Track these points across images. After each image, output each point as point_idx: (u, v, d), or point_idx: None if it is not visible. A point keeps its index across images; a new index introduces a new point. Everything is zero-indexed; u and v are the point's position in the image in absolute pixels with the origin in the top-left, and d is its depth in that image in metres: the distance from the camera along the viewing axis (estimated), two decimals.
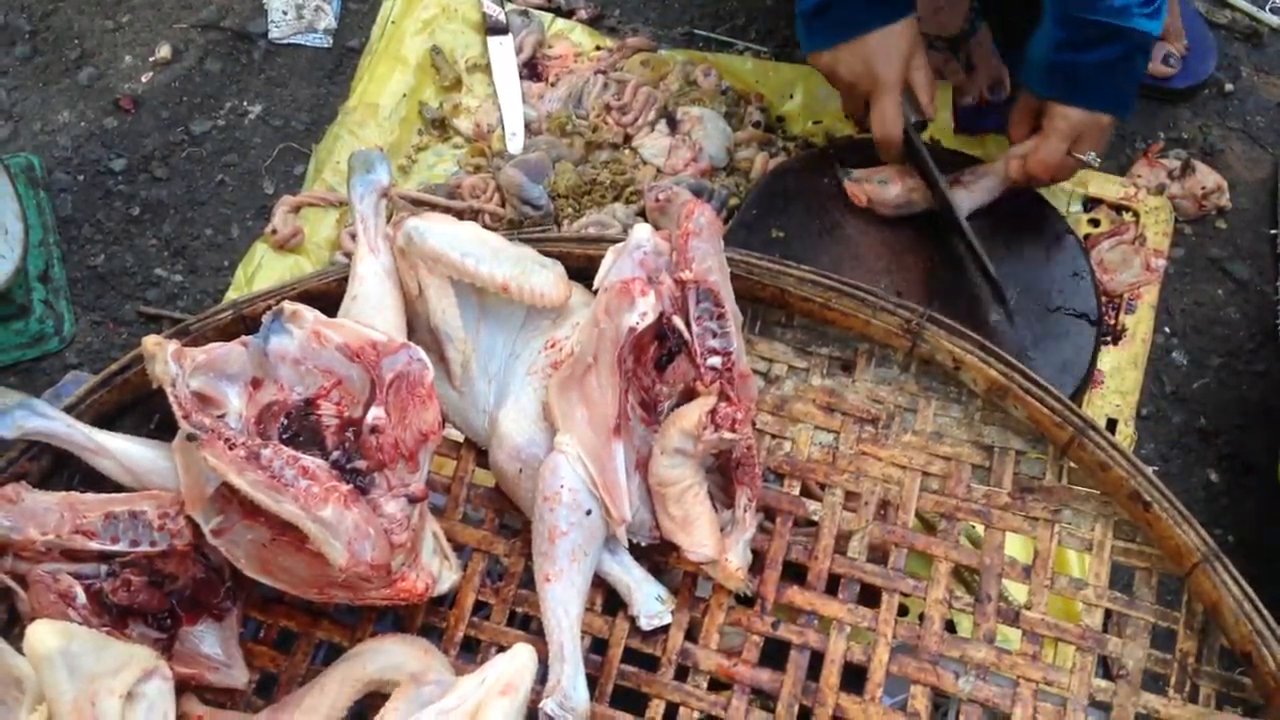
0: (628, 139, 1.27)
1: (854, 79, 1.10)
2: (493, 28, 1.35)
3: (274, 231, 1.22)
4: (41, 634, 0.71)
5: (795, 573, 0.85)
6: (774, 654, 0.83)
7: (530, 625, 0.84)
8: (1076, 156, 1.08)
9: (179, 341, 0.83)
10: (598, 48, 1.36)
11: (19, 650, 0.73)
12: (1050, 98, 1.07)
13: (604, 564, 0.84)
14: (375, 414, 0.79)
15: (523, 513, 0.86)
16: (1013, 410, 0.86)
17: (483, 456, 0.89)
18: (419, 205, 1.21)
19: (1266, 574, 1.06)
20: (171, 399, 0.79)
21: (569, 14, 1.40)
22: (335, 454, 0.79)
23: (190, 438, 0.75)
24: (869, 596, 0.85)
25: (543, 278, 0.87)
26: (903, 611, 0.86)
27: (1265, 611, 0.76)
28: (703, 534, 0.82)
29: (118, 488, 0.84)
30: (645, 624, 0.82)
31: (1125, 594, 0.82)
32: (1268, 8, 1.41)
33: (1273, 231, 1.26)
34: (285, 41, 1.38)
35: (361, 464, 0.78)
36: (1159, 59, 1.30)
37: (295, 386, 0.81)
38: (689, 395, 0.84)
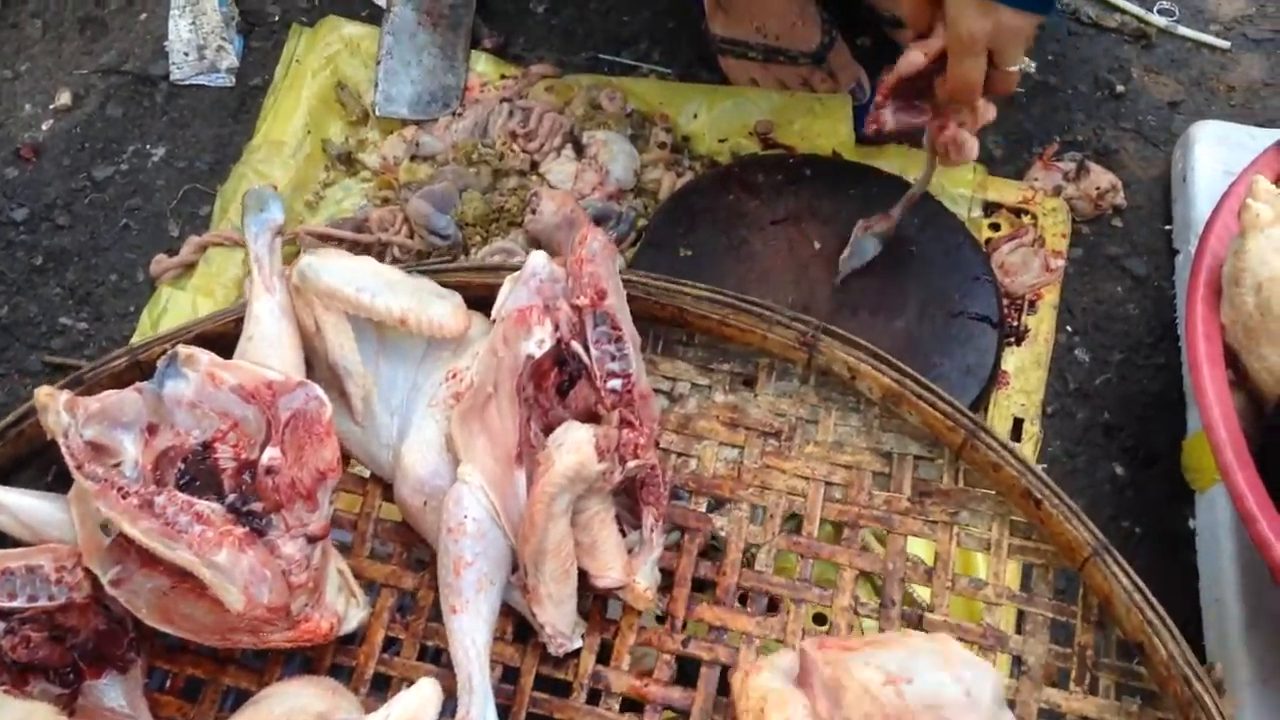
0: (534, 165, 1.28)
1: None
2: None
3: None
4: None
5: (707, 587, 0.86)
6: (690, 670, 0.83)
7: (441, 659, 0.83)
8: (1005, 70, 0.94)
9: (72, 391, 0.83)
10: (503, 76, 1.37)
11: None
12: None
13: (512, 593, 0.84)
14: (270, 454, 0.78)
15: (430, 545, 0.86)
16: (908, 416, 0.88)
17: (388, 491, 0.89)
18: (327, 241, 1.21)
19: (1173, 561, 1.09)
20: (64, 450, 0.78)
21: (474, 44, 1.40)
22: (232, 497, 0.78)
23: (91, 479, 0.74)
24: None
25: (440, 309, 0.87)
26: (819, 619, 0.87)
27: (1155, 602, 0.78)
28: (609, 558, 0.83)
29: (15, 544, 0.83)
30: (555, 650, 0.82)
31: (1025, 591, 0.84)
32: (1155, 9, 1.46)
33: (1167, 227, 1.29)
34: (187, 82, 1.37)
35: (258, 506, 0.78)
36: None
37: (192, 430, 0.81)
38: (592, 418, 0.85)
